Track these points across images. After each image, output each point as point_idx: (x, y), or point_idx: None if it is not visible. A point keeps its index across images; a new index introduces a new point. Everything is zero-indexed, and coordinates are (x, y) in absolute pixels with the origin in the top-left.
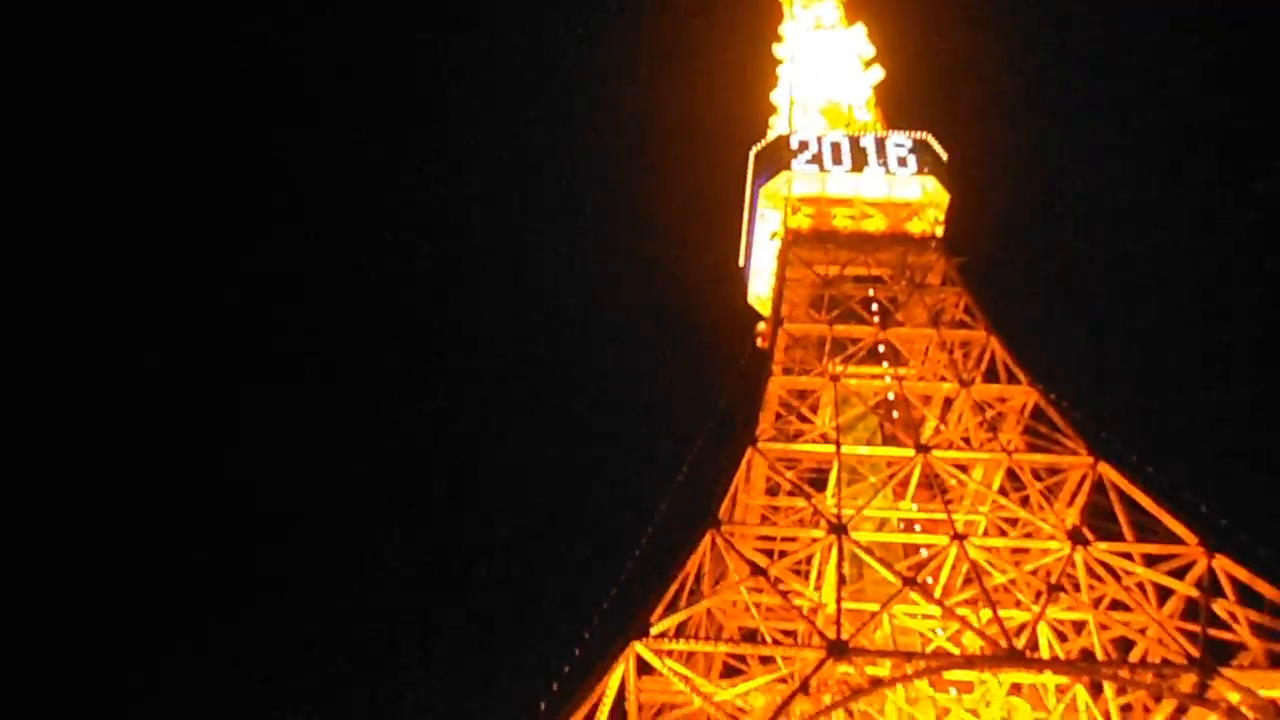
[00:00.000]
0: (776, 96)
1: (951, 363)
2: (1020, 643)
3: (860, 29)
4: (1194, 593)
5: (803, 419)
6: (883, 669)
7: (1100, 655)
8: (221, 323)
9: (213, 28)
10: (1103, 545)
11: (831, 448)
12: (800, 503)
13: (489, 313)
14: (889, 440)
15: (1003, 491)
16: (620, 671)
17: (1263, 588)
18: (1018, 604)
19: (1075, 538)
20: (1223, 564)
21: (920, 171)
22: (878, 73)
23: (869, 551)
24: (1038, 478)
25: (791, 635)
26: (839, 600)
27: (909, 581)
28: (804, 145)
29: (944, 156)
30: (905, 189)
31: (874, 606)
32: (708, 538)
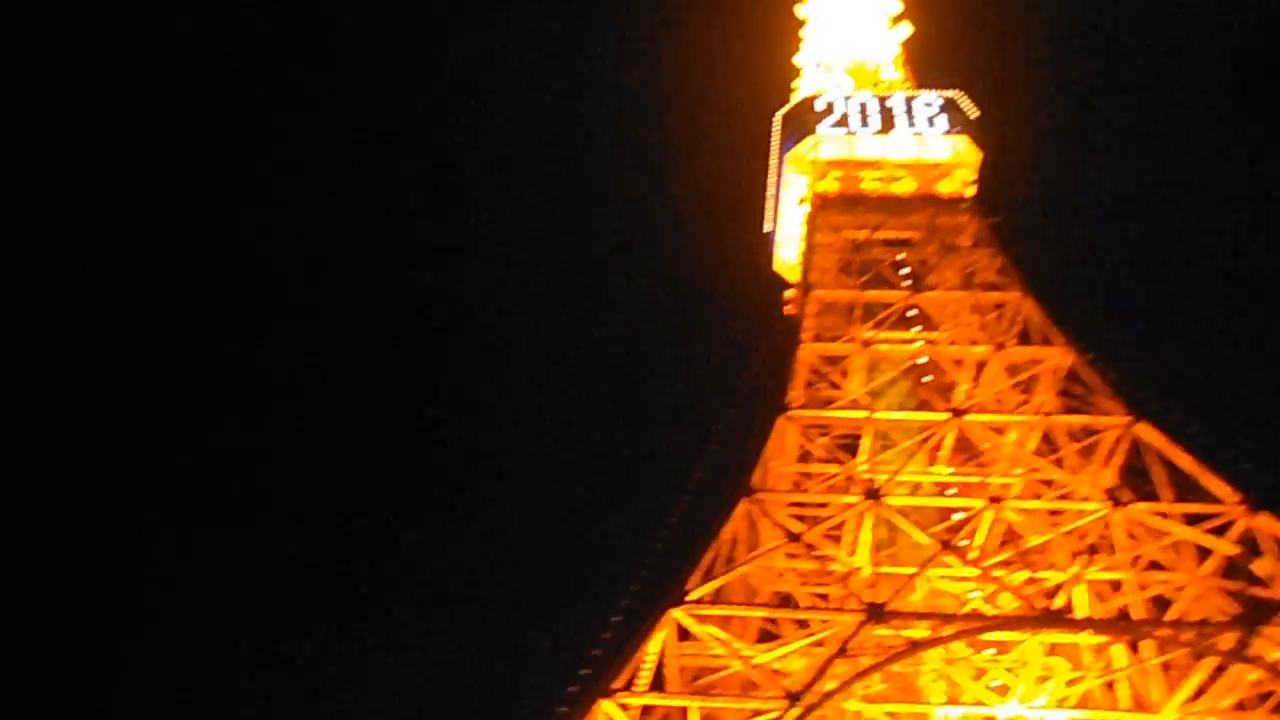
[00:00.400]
0: (800, 59)
1: (984, 325)
2: (1059, 602)
3: None
4: (1234, 550)
5: (834, 385)
6: (920, 631)
7: (1138, 615)
8: (221, 323)
9: (213, 29)
10: (1141, 505)
11: (864, 413)
12: (833, 469)
13: (514, 288)
14: (921, 405)
15: (1038, 454)
16: (660, 637)
17: None
18: (1052, 565)
19: (1114, 498)
20: (1264, 522)
21: (950, 131)
22: (906, 29)
23: (904, 515)
24: (1074, 439)
25: (825, 599)
26: (876, 564)
27: (945, 545)
28: (830, 107)
29: (974, 114)
30: (935, 149)
31: (910, 570)
32: (741, 506)
